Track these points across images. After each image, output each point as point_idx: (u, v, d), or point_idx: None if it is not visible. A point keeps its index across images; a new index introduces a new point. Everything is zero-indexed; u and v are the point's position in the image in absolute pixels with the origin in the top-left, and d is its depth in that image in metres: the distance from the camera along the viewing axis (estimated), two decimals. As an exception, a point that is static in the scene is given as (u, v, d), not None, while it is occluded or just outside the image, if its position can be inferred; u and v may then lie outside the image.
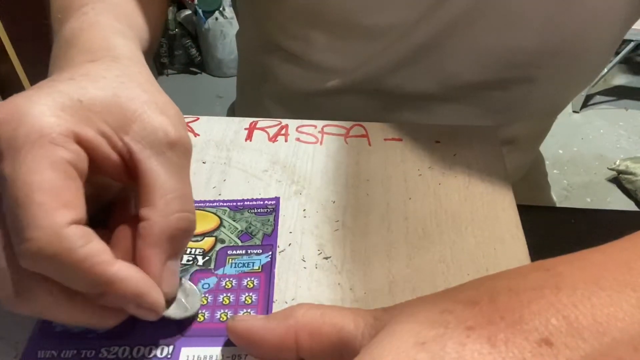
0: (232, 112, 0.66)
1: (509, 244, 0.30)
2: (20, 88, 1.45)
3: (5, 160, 0.20)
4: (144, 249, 0.23)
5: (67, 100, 0.22)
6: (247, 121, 0.39)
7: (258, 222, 0.31)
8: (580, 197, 1.78)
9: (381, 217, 0.32)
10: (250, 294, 0.27)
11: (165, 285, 0.23)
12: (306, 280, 0.28)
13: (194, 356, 0.25)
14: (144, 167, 0.23)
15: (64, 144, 0.21)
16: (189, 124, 0.38)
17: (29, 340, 0.25)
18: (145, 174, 0.23)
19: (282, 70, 0.50)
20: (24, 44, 1.42)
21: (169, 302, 0.24)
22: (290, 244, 0.30)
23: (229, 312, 0.26)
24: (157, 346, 0.25)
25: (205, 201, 0.33)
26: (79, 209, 0.21)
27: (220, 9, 2.13)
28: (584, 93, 2.04)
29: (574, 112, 2.12)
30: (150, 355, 0.25)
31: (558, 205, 0.67)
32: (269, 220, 0.31)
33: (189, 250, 0.29)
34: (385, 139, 0.38)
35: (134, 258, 0.23)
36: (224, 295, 0.27)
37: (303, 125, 0.39)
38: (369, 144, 0.38)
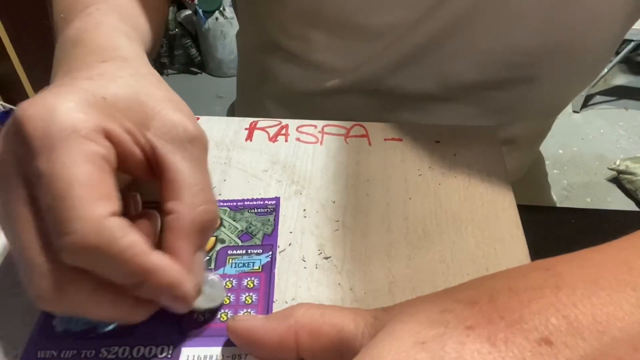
0: (232, 112, 0.66)
1: (509, 244, 0.30)
2: (20, 88, 1.45)
3: (40, 156, 0.20)
4: (173, 241, 0.23)
5: (92, 98, 0.23)
6: (247, 121, 0.39)
7: (258, 222, 0.31)
8: (580, 197, 1.78)
9: (381, 217, 0.32)
10: (250, 294, 0.27)
11: (194, 276, 0.24)
12: (306, 280, 0.28)
13: (194, 356, 0.25)
14: (167, 161, 0.24)
15: (96, 139, 0.22)
16: (189, 124, 0.38)
17: (29, 340, 0.25)
18: (169, 168, 0.24)
19: (282, 70, 0.50)
20: (24, 44, 1.42)
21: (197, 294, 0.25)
22: (290, 244, 0.30)
23: (229, 312, 0.26)
24: (157, 346, 0.25)
25: (205, 201, 0.33)
26: (116, 201, 0.21)
27: (220, 9, 2.13)
28: (584, 93, 2.05)
29: (574, 112, 2.12)
30: (150, 355, 0.25)
31: (558, 205, 0.67)
32: (269, 220, 0.31)
33: (189, 250, 0.29)
34: (385, 139, 0.38)
35: None
36: (224, 295, 0.27)
37: (303, 125, 0.39)
38: (369, 144, 0.38)
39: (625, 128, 2.05)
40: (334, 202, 0.33)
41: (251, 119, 0.40)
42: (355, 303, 0.27)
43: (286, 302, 0.27)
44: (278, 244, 0.30)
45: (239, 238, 0.30)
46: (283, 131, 0.39)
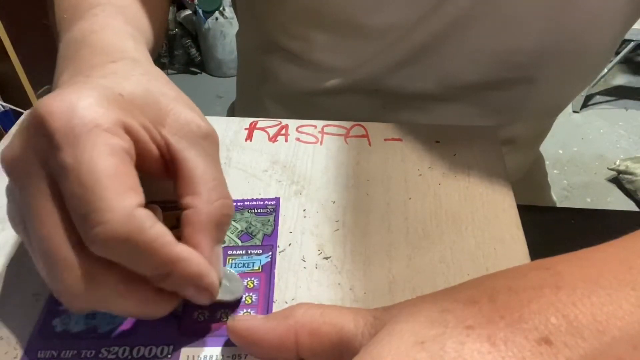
0: (232, 112, 0.66)
1: (509, 244, 0.30)
2: (20, 88, 1.45)
3: (65, 150, 0.21)
4: (193, 234, 0.23)
5: (110, 94, 0.23)
6: (247, 121, 0.39)
7: (258, 222, 0.31)
8: (580, 197, 1.78)
9: (381, 217, 0.32)
10: (250, 294, 0.27)
11: (215, 268, 0.24)
12: (306, 280, 0.28)
13: (194, 356, 0.25)
14: (183, 158, 0.24)
15: (117, 133, 0.22)
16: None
17: (29, 340, 0.25)
18: (185, 164, 0.24)
19: (282, 70, 0.50)
20: (24, 44, 1.42)
21: None
22: (290, 244, 0.30)
23: (229, 312, 0.26)
24: (157, 346, 0.25)
25: (205, 201, 0.33)
26: (141, 194, 0.21)
27: (220, 9, 2.13)
28: (584, 93, 2.05)
29: (574, 112, 2.13)
30: (150, 355, 0.25)
31: (558, 205, 0.67)
32: (269, 220, 0.31)
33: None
34: (385, 139, 0.38)
35: None
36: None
37: (303, 125, 0.39)
38: (369, 144, 0.38)
39: (625, 128, 2.05)
40: (334, 202, 0.33)
41: (251, 119, 0.40)
42: (355, 303, 0.27)
43: (286, 302, 0.27)
44: (278, 244, 0.30)
45: (238, 238, 0.30)
46: (283, 131, 0.39)
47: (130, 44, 0.29)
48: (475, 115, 0.48)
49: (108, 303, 0.22)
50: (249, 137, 0.38)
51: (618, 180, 1.79)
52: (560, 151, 1.95)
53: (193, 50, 2.30)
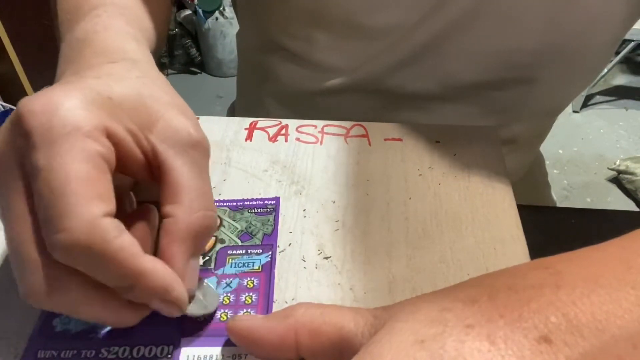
0: (232, 112, 0.66)
1: (509, 244, 0.30)
2: (20, 88, 1.45)
3: (40, 150, 0.20)
4: (169, 245, 0.23)
5: (97, 96, 0.23)
6: (247, 121, 0.39)
7: (258, 222, 0.31)
8: (580, 197, 1.78)
9: (381, 217, 0.32)
10: (250, 294, 0.27)
11: (187, 282, 0.24)
12: (306, 280, 0.28)
13: (194, 356, 0.25)
14: (168, 165, 0.23)
15: (97, 138, 0.21)
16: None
17: (29, 340, 0.25)
18: (169, 172, 0.23)
19: (282, 69, 0.50)
20: (24, 44, 1.42)
21: (189, 299, 0.25)
22: (290, 244, 0.30)
23: (229, 312, 0.26)
24: (157, 346, 0.25)
25: (205, 201, 0.33)
26: (111, 202, 0.21)
27: (220, 9, 2.13)
28: (584, 93, 2.05)
29: (574, 112, 2.12)
30: (150, 355, 0.25)
31: (558, 205, 0.67)
32: (269, 220, 0.31)
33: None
34: (385, 139, 0.38)
35: None
36: (224, 295, 0.27)
37: (303, 125, 0.39)
38: (369, 144, 0.38)
39: (625, 128, 2.05)
40: (334, 202, 0.33)
41: (251, 119, 0.40)
42: (355, 303, 0.27)
43: (286, 302, 0.27)
44: (278, 244, 0.30)
45: (238, 238, 0.30)
46: (283, 131, 0.39)
47: (132, 45, 0.29)
48: (476, 115, 0.48)
49: (72, 308, 0.22)
50: (249, 137, 0.38)
51: (618, 180, 1.79)
52: (560, 151, 1.95)
53: (193, 50, 2.30)
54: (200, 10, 2.13)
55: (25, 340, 0.25)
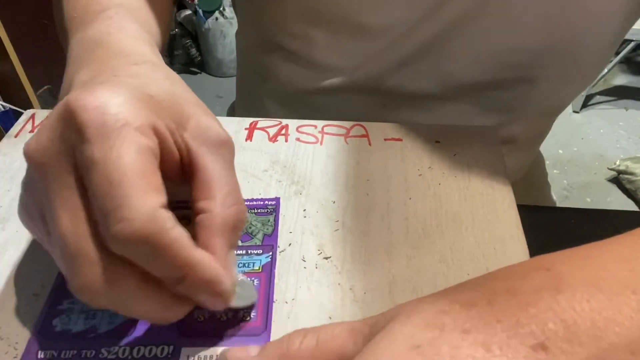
0: (232, 112, 0.67)
1: (509, 244, 0.30)
2: (20, 88, 1.45)
3: (95, 144, 0.21)
4: (208, 238, 0.23)
5: (140, 94, 0.23)
6: (247, 121, 0.39)
7: (258, 222, 0.31)
8: (580, 197, 1.78)
9: (381, 217, 0.32)
10: (250, 294, 0.27)
11: (229, 273, 0.24)
12: (306, 280, 0.28)
13: (194, 356, 0.25)
14: (202, 162, 0.24)
15: (147, 133, 0.22)
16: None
17: (29, 340, 0.25)
18: (203, 169, 0.24)
19: (282, 69, 0.50)
20: (24, 44, 1.42)
21: None
22: (290, 244, 0.30)
23: (229, 312, 0.26)
24: (157, 346, 0.25)
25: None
26: (164, 195, 0.21)
27: (220, 9, 2.13)
28: (584, 93, 2.05)
29: (574, 112, 2.12)
30: (150, 355, 0.25)
31: (558, 205, 0.67)
32: (269, 220, 0.31)
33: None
34: (385, 139, 0.38)
35: None
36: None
37: (303, 125, 0.39)
38: (369, 144, 0.38)
39: (625, 128, 2.05)
40: (334, 202, 0.33)
41: (251, 119, 0.40)
42: (355, 303, 0.27)
43: (286, 302, 0.27)
44: (278, 244, 0.30)
45: (239, 238, 0.30)
46: (283, 131, 0.39)
47: (147, 48, 0.29)
48: (476, 115, 0.48)
49: (125, 303, 0.22)
50: (249, 137, 0.38)
51: (618, 180, 1.79)
52: (560, 151, 1.95)
53: (193, 50, 2.30)
54: (200, 10, 2.13)
55: (25, 340, 0.25)
